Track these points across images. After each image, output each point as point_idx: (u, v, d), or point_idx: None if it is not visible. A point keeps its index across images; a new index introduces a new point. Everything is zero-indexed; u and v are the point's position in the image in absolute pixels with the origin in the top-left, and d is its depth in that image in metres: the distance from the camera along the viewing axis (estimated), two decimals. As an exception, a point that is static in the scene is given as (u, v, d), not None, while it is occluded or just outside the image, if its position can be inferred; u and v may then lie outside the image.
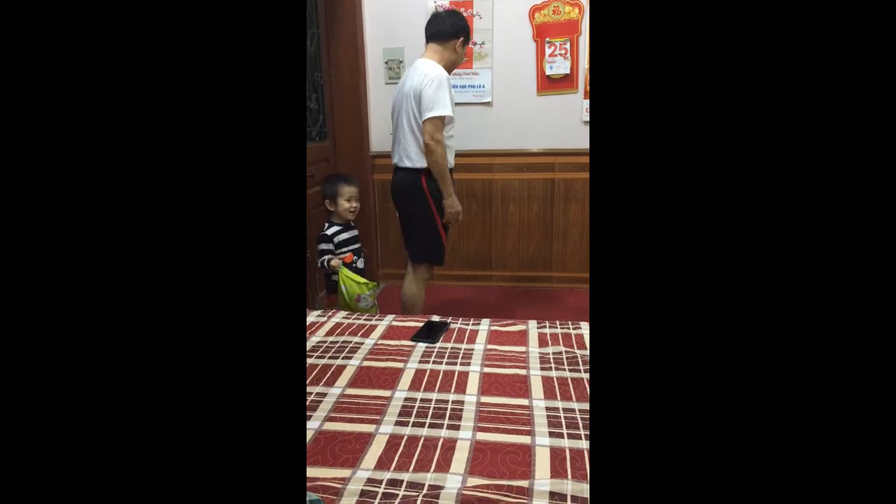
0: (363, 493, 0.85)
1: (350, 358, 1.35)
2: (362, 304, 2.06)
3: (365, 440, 1.01)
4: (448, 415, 1.09)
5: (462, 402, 1.14)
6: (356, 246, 2.17)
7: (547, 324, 1.57)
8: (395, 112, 2.12)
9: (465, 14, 2.14)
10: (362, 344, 1.44)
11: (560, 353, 1.37)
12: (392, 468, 0.92)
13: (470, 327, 1.56)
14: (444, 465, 0.93)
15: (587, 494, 0.84)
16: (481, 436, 1.02)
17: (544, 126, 2.87)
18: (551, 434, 1.02)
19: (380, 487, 0.87)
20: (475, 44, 2.76)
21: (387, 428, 1.05)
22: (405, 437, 1.02)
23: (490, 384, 1.22)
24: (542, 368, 1.29)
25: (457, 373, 1.28)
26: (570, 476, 0.89)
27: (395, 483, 0.88)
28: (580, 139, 2.84)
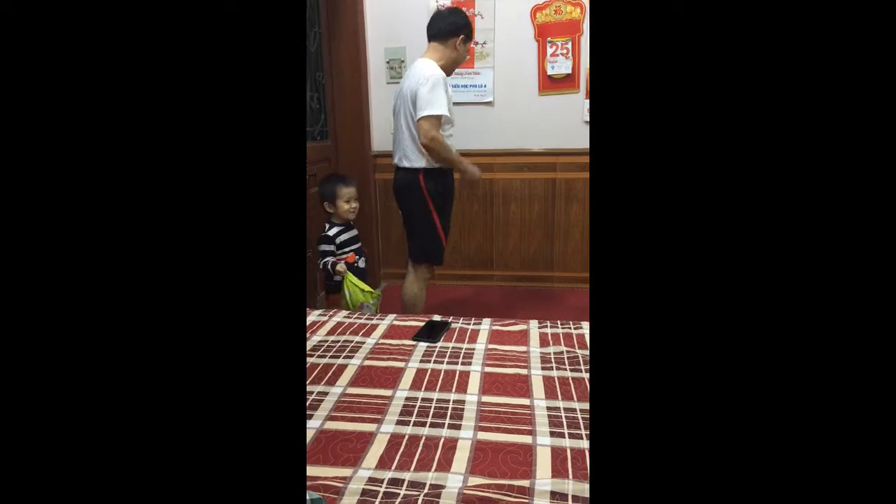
0: (364, 493, 0.85)
1: (351, 357, 1.35)
2: (364, 311, 2.06)
3: (366, 439, 1.01)
4: (449, 414, 1.09)
5: (463, 402, 1.14)
6: (357, 246, 2.17)
7: (548, 323, 1.57)
8: (395, 112, 2.13)
9: (466, 13, 2.13)
10: (363, 343, 1.44)
11: (561, 352, 1.37)
12: (393, 467, 0.93)
13: (471, 327, 1.56)
14: (445, 465, 0.93)
15: (588, 494, 0.84)
16: (482, 435, 1.02)
17: (546, 126, 2.87)
18: (552, 434, 1.02)
19: (381, 487, 0.87)
20: (476, 43, 2.76)
21: (388, 427, 1.05)
22: (406, 437, 1.02)
23: (491, 384, 1.22)
24: (543, 368, 1.29)
25: (458, 372, 1.28)
26: (571, 476, 0.89)
27: (396, 482, 0.88)
28: (581, 139, 2.84)
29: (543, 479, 0.88)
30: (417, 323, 1.58)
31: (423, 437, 1.02)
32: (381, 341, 1.46)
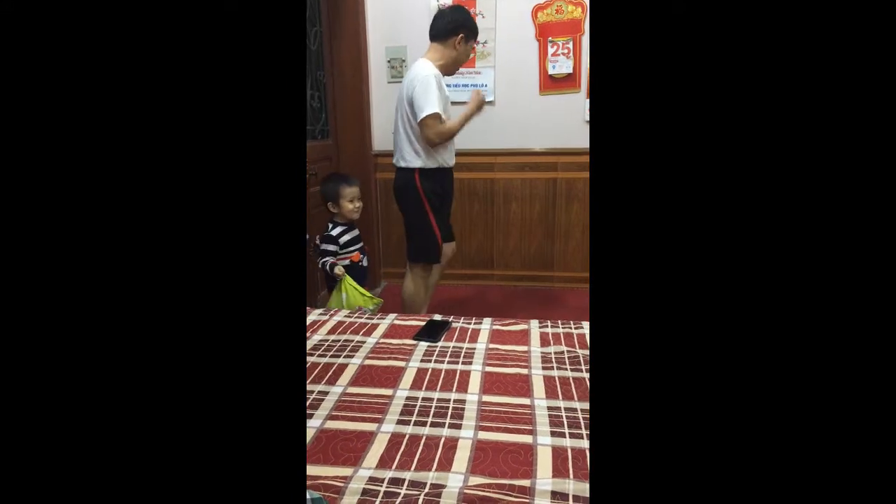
0: (365, 492, 0.85)
1: (352, 357, 1.35)
2: (364, 311, 2.06)
3: (367, 439, 1.01)
4: (450, 414, 1.09)
5: (464, 402, 1.14)
6: (360, 245, 2.18)
7: (549, 323, 1.57)
8: (396, 112, 2.14)
9: (467, 11, 2.12)
10: (364, 343, 1.44)
11: (562, 352, 1.37)
12: (394, 467, 0.93)
13: (472, 326, 1.56)
14: (445, 464, 0.93)
15: (589, 494, 0.84)
16: (483, 435, 1.02)
17: (547, 125, 2.87)
18: (553, 433, 1.02)
19: (381, 486, 0.87)
20: (478, 43, 2.76)
21: (388, 427, 1.05)
22: (407, 436, 1.02)
23: (492, 383, 1.22)
24: (543, 368, 1.29)
25: (458, 372, 1.28)
26: (571, 475, 0.89)
27: (396, 482, 0.88)
28: (582, 139, 2.84)
29: (544, 479, 0.88)
30: (418, 322, 1.58)
31: (424, 437, 1.02)
32: (382, 341, 1.46)
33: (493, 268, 3.14)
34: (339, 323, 1.59)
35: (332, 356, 1.36)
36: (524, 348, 1.41)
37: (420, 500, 0.82)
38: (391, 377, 1.25)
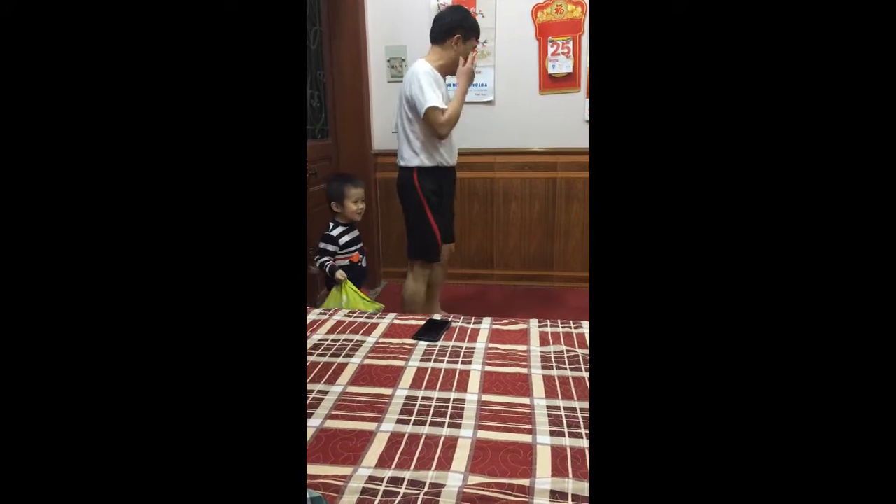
0: (364, 491, 0.85)
1: (351, 356, 1.36)
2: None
3: (366, 438, 1.01)
4: (449, 413, 1.09)
5: (463, 401, 1.14)
6: (359, 246, 2.18)
7: (548, 322, 1.57)
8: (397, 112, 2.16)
9: (466, 11, 2.11)
10: (364, 342, 1.44)
11: (561, 351, 1.37)
12: (393, 466, 0.93)
13: (471, 326, 1.56)
14: (445, 464, 0.93)
15: (588, 493, 0.84)
16: (482, 434, 1.02)
17: (546, 125, 2.87)
18: (552, 433, 1.02)
19: (381, 485, 0.87)
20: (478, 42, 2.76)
21: (388, 426, 1.05)
22: (406, 436, 1.02)
23: (491, 383, 1.22)
24: (543, 367, 1.29)
25: (458, 371, 1.28)
26: (571, 475, 0.89)
27: (396, 481, 0.88)
28: (582, 138, 2.84)
29: (543, 478, 0.88)
30: (418, 322, 1.58)
31: (424, 436, 1.02)
32: (382, 340, 1.46)
33: (493, 267, 3.14)
34: (339, 322, 1.59)
35: (331, 355, 1.36)
36: (524, 348, 1.41)
37: (419, 500, 0.82)
38: (391, 376, 1.25)
